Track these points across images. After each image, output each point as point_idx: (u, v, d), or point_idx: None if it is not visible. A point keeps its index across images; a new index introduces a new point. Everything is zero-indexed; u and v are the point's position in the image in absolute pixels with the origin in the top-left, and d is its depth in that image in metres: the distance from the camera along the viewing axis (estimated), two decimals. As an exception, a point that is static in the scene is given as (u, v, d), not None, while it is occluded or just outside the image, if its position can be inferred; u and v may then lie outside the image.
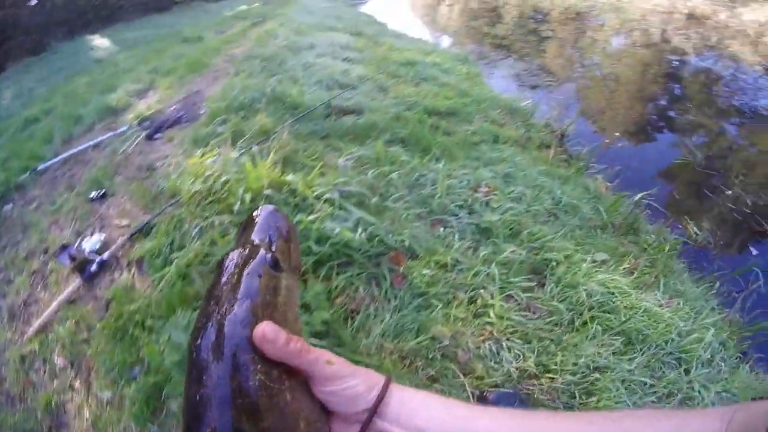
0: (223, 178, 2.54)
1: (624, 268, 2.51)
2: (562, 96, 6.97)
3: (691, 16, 12.56)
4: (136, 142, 3.80)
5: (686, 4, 12.65)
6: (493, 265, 2.27)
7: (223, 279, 0.45)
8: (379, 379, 0.48)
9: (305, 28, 8.09)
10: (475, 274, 2.23)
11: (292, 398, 0.41)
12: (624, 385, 1.90)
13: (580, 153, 4.56)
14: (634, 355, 2.02)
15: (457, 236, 2.50)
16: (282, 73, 4.92)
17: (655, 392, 1.92)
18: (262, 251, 0.48)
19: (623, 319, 2.15)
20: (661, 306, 2.32)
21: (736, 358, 2.36)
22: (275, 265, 0.48)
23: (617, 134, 6.02)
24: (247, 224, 0.56)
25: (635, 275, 2.50)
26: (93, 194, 3.20)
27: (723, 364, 2.19)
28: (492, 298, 2.12)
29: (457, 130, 4.01)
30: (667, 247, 2.96)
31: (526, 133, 4.56)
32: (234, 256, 0.48)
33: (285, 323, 0.44)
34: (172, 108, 4.28)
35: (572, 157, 4.46)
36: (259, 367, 0.40)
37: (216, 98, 4.13)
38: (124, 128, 4.06)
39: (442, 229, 2.56)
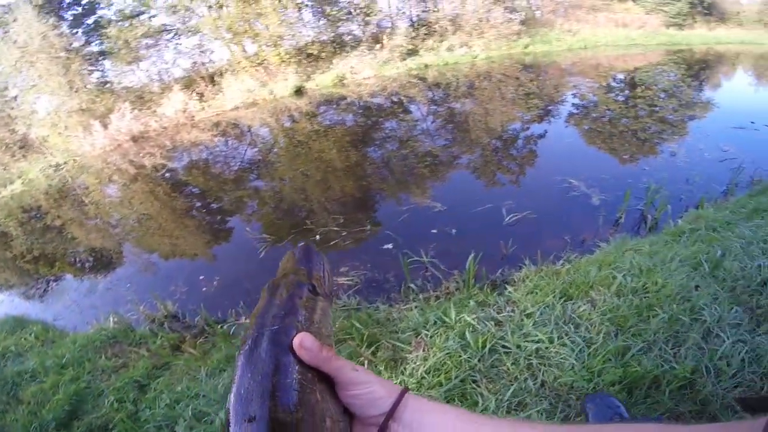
0: None
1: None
2: (129, 274, 6.24)
3: (134, 138, 13.58)
4: None
5: (122, 132, 13.50)
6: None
7: (272, 300, 0.53)
8: (397, 388, 0.52)
9: None
10: None
11: (321, 398, 0.47)
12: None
13: (201, 320, 4.04)
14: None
15: None
16: None
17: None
18: (302, 278, 0.58)
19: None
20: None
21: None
22: (313, 290, 0.57)
23: (201, 268, 5.61)
24: (289, 258, 0.65)
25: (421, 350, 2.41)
26: None
27: (547, 311, 2.36)
28: None
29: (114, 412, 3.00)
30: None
31: (143, 345, 3.88)
32: (281, 282, 0.56)
33: (319, 336, 0.51)
34: None
35: (205, 332, 3.88)
36: (297, 368, 0.46)
37: None
38: None
39: None
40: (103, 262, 7.08)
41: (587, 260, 3.08)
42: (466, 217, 5.02)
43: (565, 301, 2.42)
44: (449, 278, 3.48)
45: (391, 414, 0.50)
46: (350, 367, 0.50)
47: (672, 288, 2.43)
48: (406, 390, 0.52)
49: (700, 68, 16.97)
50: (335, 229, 5.26)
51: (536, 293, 2.56)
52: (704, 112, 9.74)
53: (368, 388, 0.50)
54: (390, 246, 4.65)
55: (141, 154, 12.05)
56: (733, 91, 13.03)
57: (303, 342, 0.47)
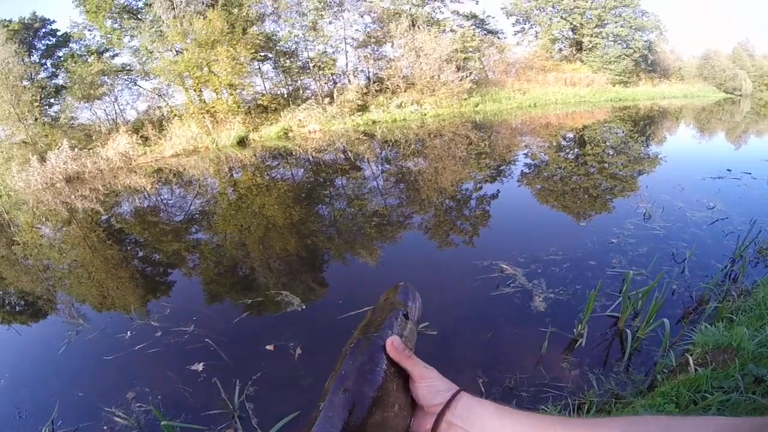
0: None
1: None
2: None
3: (68, 179, 12.81)
4: None
5: (57, 171, 12.80)
6: None
7: (373, 318, 0.73)
8: (455, 386, 0.64)
9: None
10: None
11: (396, 389, 0.62)
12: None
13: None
14: None
15: None
16: None
17: None
18: (399, 306, 0.76)
19: None
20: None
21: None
22: (406, 315, 0.75)
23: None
24: (393, 291, 0.82)
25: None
26: None
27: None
28: None
29: None
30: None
31: None
32: (384, 306, 0.76)
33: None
34: None
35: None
36: (385, 362, 0.63)
37: None
38: None
39: None
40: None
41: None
42: (328, 327, 3.51)
43: None
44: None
45: (448, 403, 0.62)
46: (423, 365, 0.65)
47: None
48: (462, 389, 0.64)
49: (645, 124, 17.30)
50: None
51: None
52: (652, 166, 9.61)
53: (433, 382, 0.64)
54: (199, 366, 3.21)
55: (74, 195, 11.28)
56: (688, 143, 13.07)
57: (393, 341, 0.64)
